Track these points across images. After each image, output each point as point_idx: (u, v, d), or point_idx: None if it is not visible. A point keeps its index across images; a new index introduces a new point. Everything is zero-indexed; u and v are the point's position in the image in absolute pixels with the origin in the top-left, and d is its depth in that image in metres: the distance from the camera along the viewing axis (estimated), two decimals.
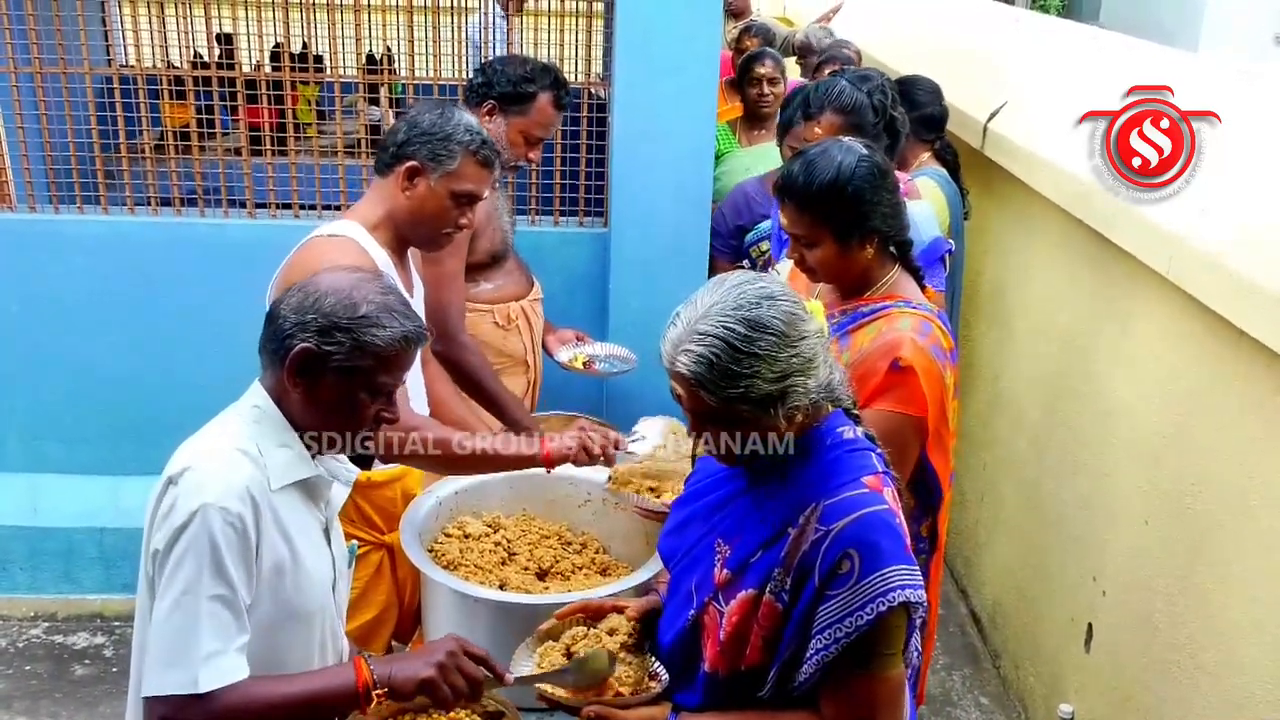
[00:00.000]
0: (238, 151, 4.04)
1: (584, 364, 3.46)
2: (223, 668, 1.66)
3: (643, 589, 2.32)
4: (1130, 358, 2.97)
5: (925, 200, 3.60)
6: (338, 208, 3.87)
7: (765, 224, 3.64)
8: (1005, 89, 4.08)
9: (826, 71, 4.37)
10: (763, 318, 1.64)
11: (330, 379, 1.76)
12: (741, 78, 4.55)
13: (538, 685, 1.87)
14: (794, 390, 1.66)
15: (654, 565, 2.34)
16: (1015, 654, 3.71)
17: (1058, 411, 3.43)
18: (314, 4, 3.91)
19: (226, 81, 3.92)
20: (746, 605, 1.73)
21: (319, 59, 4.34)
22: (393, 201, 2.48)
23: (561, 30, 4.44)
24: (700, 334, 1.64)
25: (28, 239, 3.82)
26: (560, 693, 1.85)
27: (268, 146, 3.90)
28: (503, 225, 3.24)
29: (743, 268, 3.78)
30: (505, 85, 3.07)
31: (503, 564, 2.54)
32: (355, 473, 2.07)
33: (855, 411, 1.85)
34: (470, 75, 3.25)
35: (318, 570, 1.87)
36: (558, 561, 2.59)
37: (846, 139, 2.32)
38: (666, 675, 1.87)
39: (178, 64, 4.08)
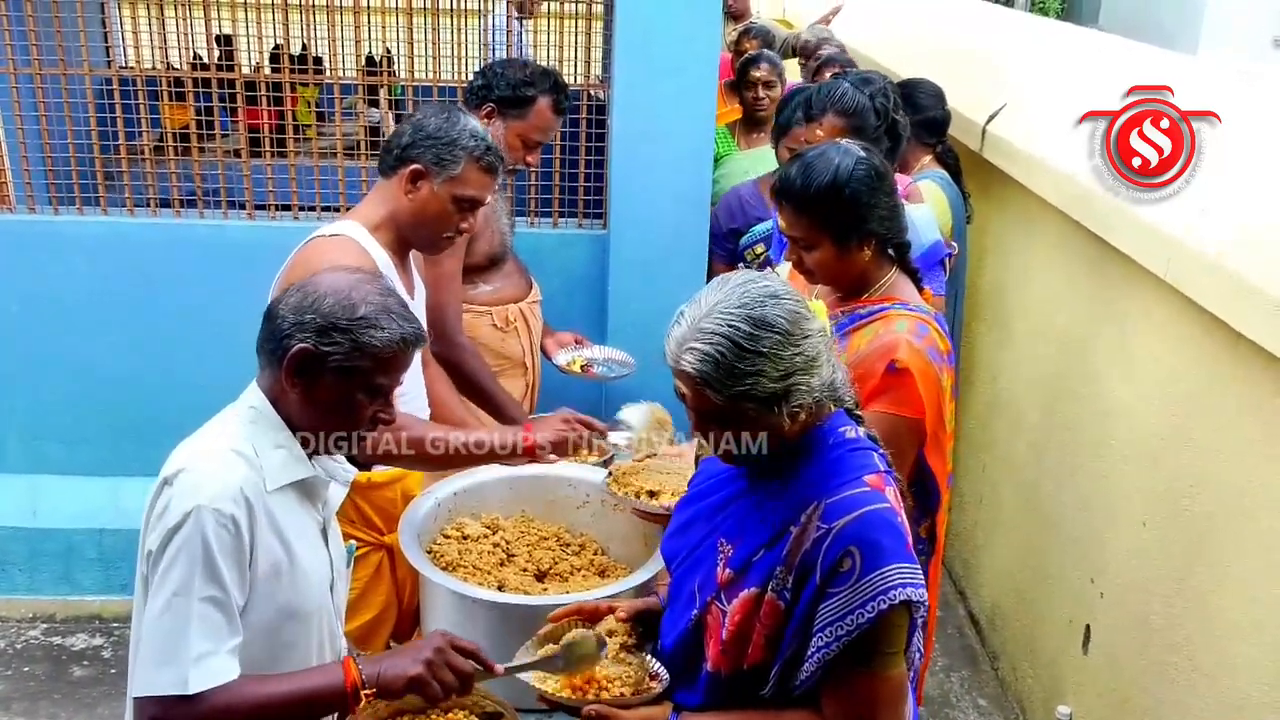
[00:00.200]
0: (237, 153, 4.05)
1: (582, 368, 3.46)
2: (213, 669, 1.66)
3: (642, 590, 2.32)
4: (1129, 360, 2.97)
5: (928, 203, 3.60)
6: (337, 209, 3.87)
7: (760, 226, 3.65)
8: (1004, 91, 4.08)
9: (828, 74, 4.38)
10: (767, 316, 1.65)
11: (328, 379, 1.76)
12: (739, 80, 4.55)
13: (538, 686, 1.87)
14: (797, 388, 1.67)
15: (652, 567, 2.34)
16: (1014, 656, 3.71)
17: (1056, 413, 3.43)
18: (313, 6, 3.91)
19: (226, 83, 3.92)
20: (749, 604, 1.73)
21: (318, 60, 4.34)
22: (395, 203, 2.48)
23: (561, 32, 4.44)
24: (705, 332, 1.65)
25: (27, 240, 3.82)
26: (555, 686, 1.86)
27: (267, 148, 3.90)
28: (501, 227, 3.24)
29: (737, 270, 3.78)
30: (504, 89, 3.07)
31: (501, 565, 2.55)
32: (353, 473, 2.08)
33: (858, 412, 1.86)
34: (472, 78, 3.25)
35: (315, 571, 1.87)
36: (556, 563, 2.59)
37: (844, 141, 2.32)
38: (667, 675, 1.87)
39: (177, 65, 4.08)
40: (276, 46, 4.21)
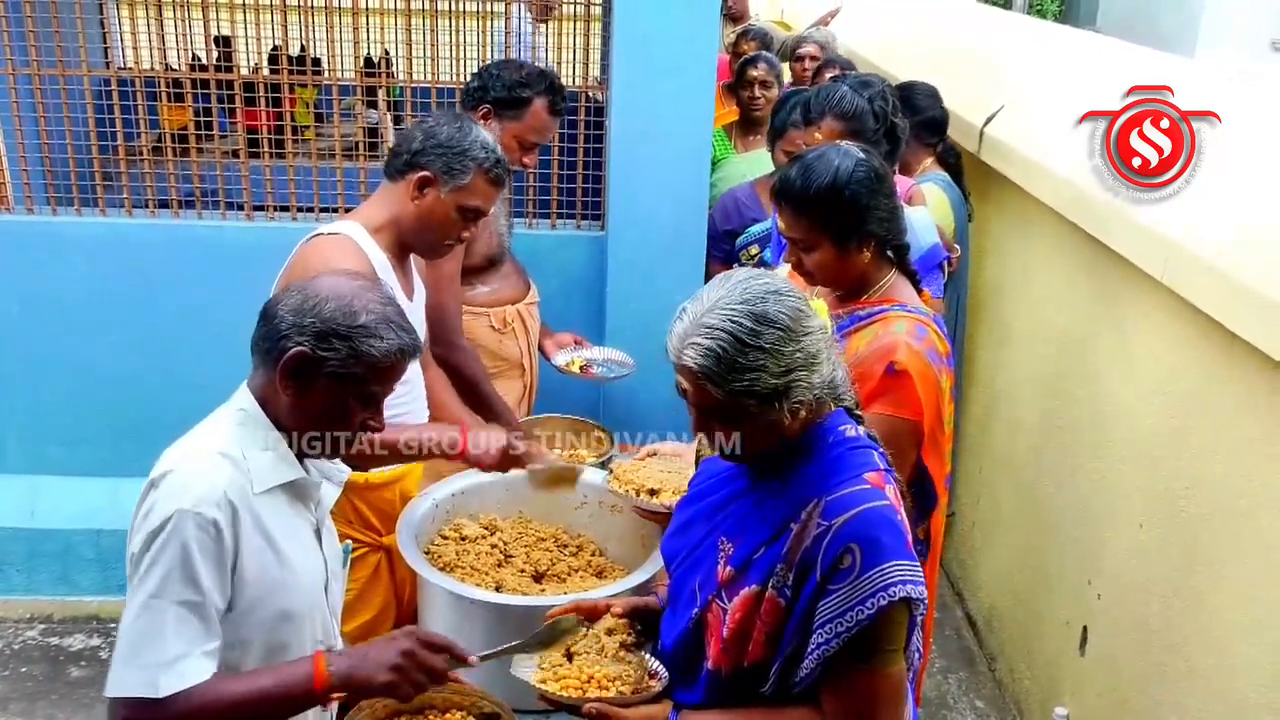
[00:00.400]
0: (235, 154, 4.05)
1: (581, 368, 3.46)
2: (184, 672, 1.66)
3: (640, 591, 2.32)
4: (1127, 361, 2.98)
5: (931, 207, 3.62)
6: (335, 210, 3.88)
7: (756, 228, 3.65)
8: (1002, 93, 4.09)
9: (827, 76, 4.38)
10: (769, 312, 1.66)
11: (322, 384, 1.76)
12: (736, 81, 4.55)
13: (538, 686, 1.87)
14: (798, 385, 1.68)
15: (650, 568, 2.35)
16: (1011, 657, 3.71)
17: (1054, 415, 3.44)
18: (312, 7, 3.91)
19: (224, 84, 3.92)
20: (749, 602, 1.74)
21: (317, 62, 4.34)
22: (399, 207, 2.49)
23: (559, 34, 4.45)
24: (707, 327, 1.66)
25: (26, 240, 3.82)
26: (556, 687, 1.86)
27: (265, 149, 3.91)
28: (499, 229, 3.25)
29: None
30: (501, 90, 3.07)
31: (499, 566, 2.55)
32: (347, 473, 2.07)
33: (858, 411, 1.86)
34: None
35: (308, 572, 1.87)
36: (554, 564, 2.59)
37: (844, 143, 2.32)
38: (666, 674, 1.88)
39: (176, 66, 4.08)
40: (275, 48, 4.22)
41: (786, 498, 1.75)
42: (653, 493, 2.46)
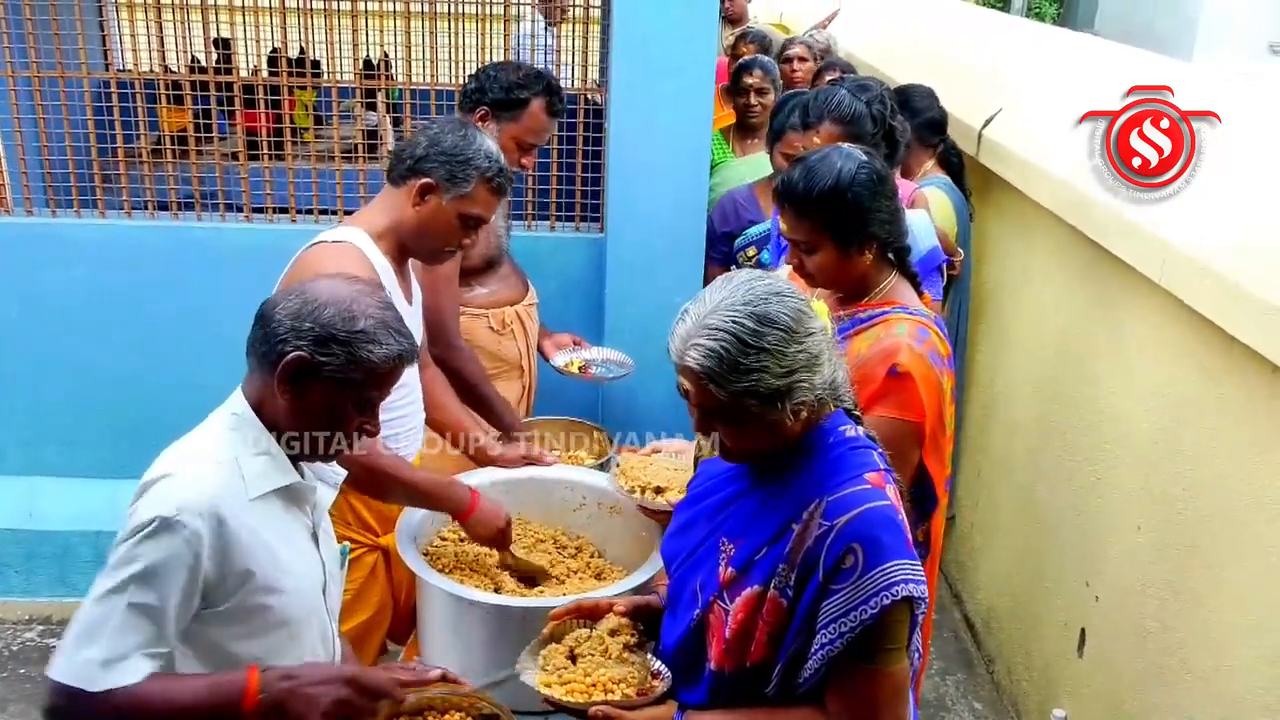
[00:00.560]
0: (235, 156, 4.05)
1: (580, 369, 3.47)
2: (123, 670, 1.66)
3: (640, 592, 2.32)
4: (1124, 364, 2.98)
5: (934, 210, 3.63)
6: (334, 212, 3.88)
7: (753, 229, 3.66)
8: (1000, 96, 4.10)
9: (826, 79, 4.39)
10: (771, 313, 1.67)
11: (320, 389, 1.76)
12: (733, 86, 4.55)
13: (543, 690, 1.86)
14: (800, 386, 1.69)
15: (649, 569, 2.35)
16: (1009, 659, 3.72)
17: (1052, 417, 3.44)
18: (311, 9, 3.92)
19: (224, 86, 3.93)
20: (751, 602, 1.74)
21: (316, 64, 4.35)
22: (400, 213, 2.49)
23: (559, 36, 4.45)
24: (710, 328, 1.66)
25: (25, 242, 3.82)
26: (561, 691, 1.85)
27: (265, 151, 3.91)
28: (497, 230, 3.25)
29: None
30: (498, 91, 3.07)
31: (498, 568, 2.55)
32: (342, 475, 2.07)
33: (856, 412, 1.87)
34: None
35: (305, 575, 1.87)
36: (553, 565, 2.60)
37: (846, 145, 2.33)
38: (668, 674, 1.88)
39: (175, 69, 4.09)
40: (274, 50, 4.22)
41: (788, 498, 1.76)
42: (659, 490, 2.47)
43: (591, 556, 2.66)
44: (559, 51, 4.58)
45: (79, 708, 1.66)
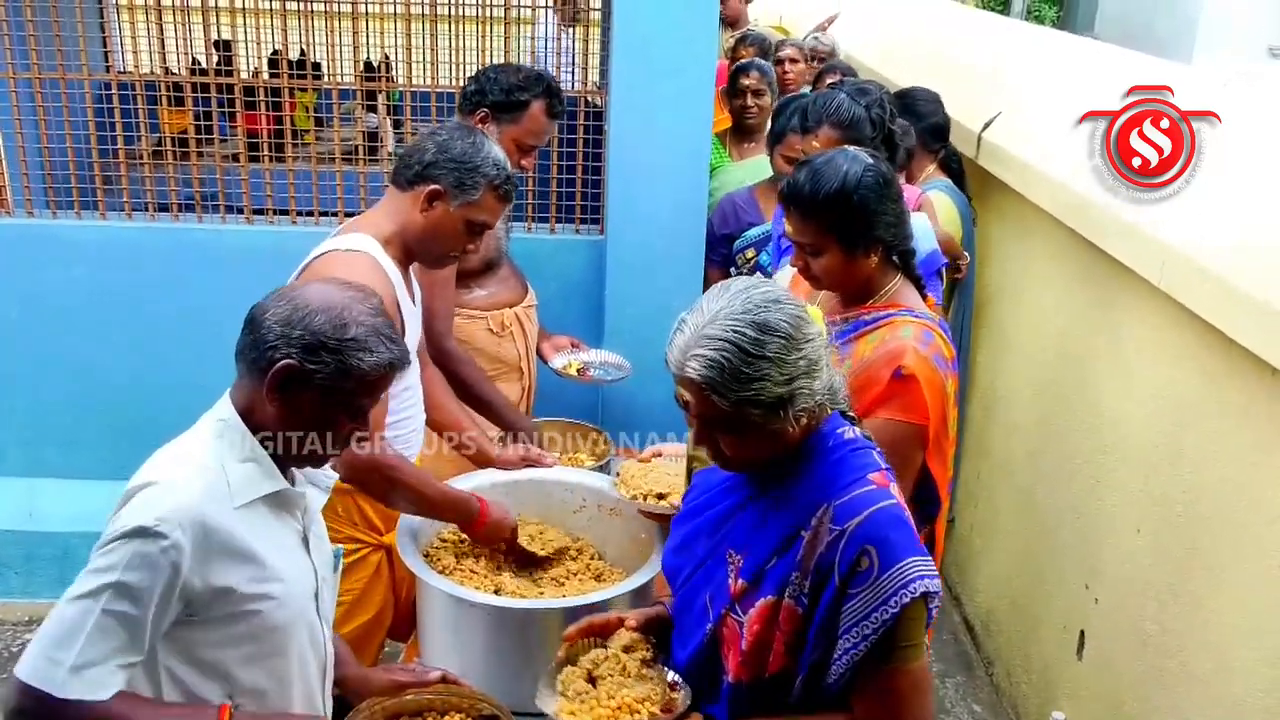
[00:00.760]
0: (235, 158, 4.06)
1: (578, 371, 3.47)
2: (91, 680, 1.63)
3: (639, 594, 2.33)
4: (1124, 367, 2.99)
5: (939, 214, 3.64)
6: (335, 214, 3.88)
7: (752, 231, 3.66)
8: (999, 98, 4.10)
9: (826, 82, 4.39)
10: (771, 321, 1.66)
11: (310, 396, 1.74)
12: (730, 88, 4.55)
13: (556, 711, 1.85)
14: (801, 392, 1.69)
15: (649, 570, 2.35)
16: (1008, 662, 3.72)
17: (1052, 419, 3.44)
18: (312, 11, 3.92)
19: (225, 88, 3.93)
20: (766, 612, 1.74)
21: (317, 66, 4.35)
22: (407, 218, 2.50)
23: (546, 39, 4.45)
24: (710, 338, 1.65)
25: (25, 243, 3.83)
26: (561, 708, 1.84)
27: (265, 153, 3.91)
28: (496, 232, 3.24)
29: (730, 275, 3.80)
30: (498, 93, 3.08)
31: (497, 569, 2.55)
32: (334, 478, 2.06)
33: (851, 413, 1.87)
34: None
35: (296, 581, 1.85)
36: (553, 567, 2.60)
37: (852, 148, 2.33)
38: (687, 685, 1.86)
39: (176, 70, 4.09)
40: (275, 52, 4.23)
41: (793, 505, 1.75)
42: (660, 496, 2.47)
43: (591, 558, 2.66)
44: (576, 54, 4.57)
45: (43, 711, 1.63)
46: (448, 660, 2.21)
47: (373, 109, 5.18)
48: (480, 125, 3.06)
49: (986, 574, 4.01)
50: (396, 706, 2.00)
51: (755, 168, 4.13)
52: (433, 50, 3.90)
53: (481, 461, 2.78)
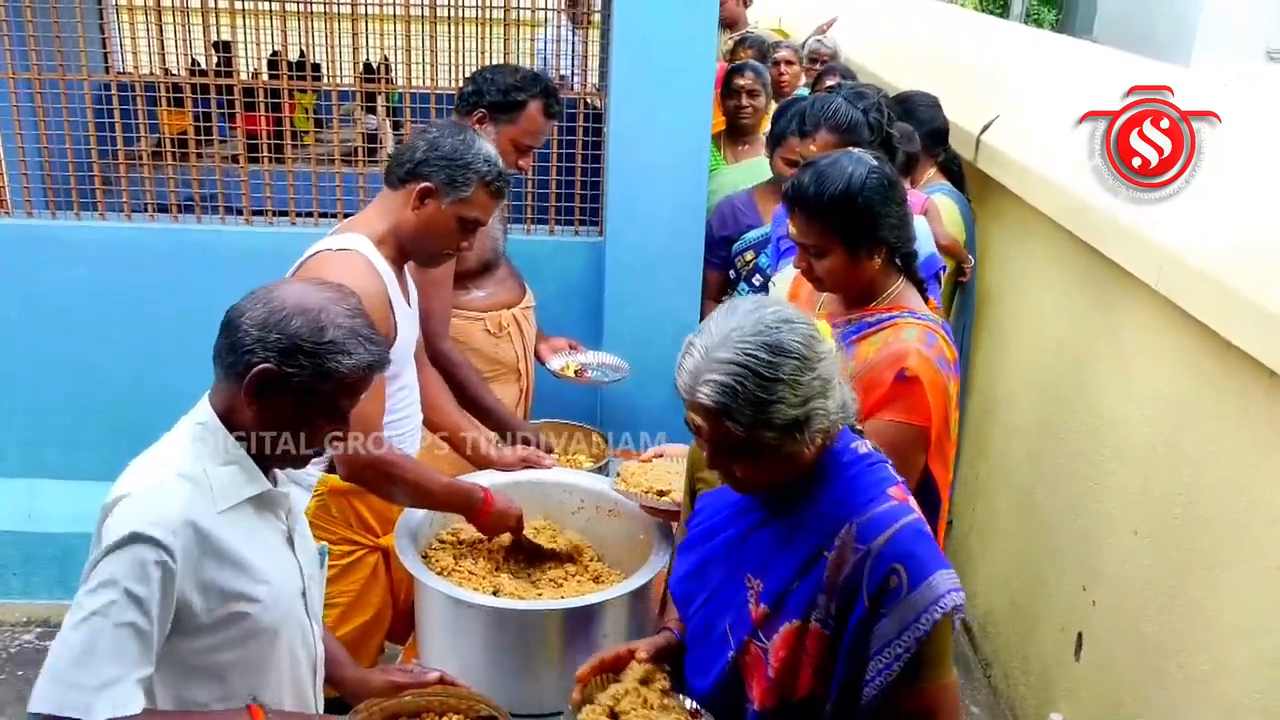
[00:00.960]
0: (235, 159, 4.06)
1: (576, 372, 3.47)
2: (117, 698, 1.60)
3: (638, 596, 2.33)
4: (1123, 369, 2.99)
5: (944, 218, 3.64)
6: (334, 215, 3.88)
7: (751, 234, 3.67)
8: (998, 101, 4.11)
9: (825, 84, 4.39)
10: (784, 342, 1.62)
11: (288, 399, 1.72)
12: (724, 90, 4.54)
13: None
14: (817, 413, 1.65)
15: (648, 572, 2.35)
16: (1006, 663, 3.72)
17: (1051, 421, 3.45)
18: (312, 13, 3.93)
19: (224, 89, 3.93)
20: (791, 637, 1.71)
21: (316, 67, 4.35)
22: (399, 216, 2.50)
23: (558, 40, 4.46)
24: (721, 362, 1.61)
25: (25, 244, 3.83)
26: None
27: (265, 154, 3.92)
28: (494, 233, 3.25)
29: (729, 277, 3.81)
30: (495, 94, 3.08)
31: (496, 570, 2.56)
32: (316, 476, 2.05)
33: (858, 427, 1.85)
34: None
35: (282, 581, 1.84)
36: (551, 568, 2.60)
37: (856, 150, 2.33)
38: (707, 712, 1.83)
39: (175, 71, 4.09)
40: (274, 53, 4.23)
41: (813, 525, 1.72)
42: (661, 493, 2.47)
43: (589, 560, 2.66)
44: (581, 57, 4.58)
45: None
46: (446, 661, 2.21)
47: (372, 110, 5.18)
48: (477, 126, 3.06)
49: (985, 575, 4.01)
50: (395, 707, 2.00)
51: (750, 170, 4.13)
52: (432, 52, 3.91)
53: (480, 462, 2.78)
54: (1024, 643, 3.58)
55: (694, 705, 1.85)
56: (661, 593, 2.66)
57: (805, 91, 4.95)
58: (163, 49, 3.98)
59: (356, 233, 2.49)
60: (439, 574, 2.40)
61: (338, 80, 4.04)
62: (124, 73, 4.18)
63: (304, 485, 1.97)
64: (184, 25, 4.02)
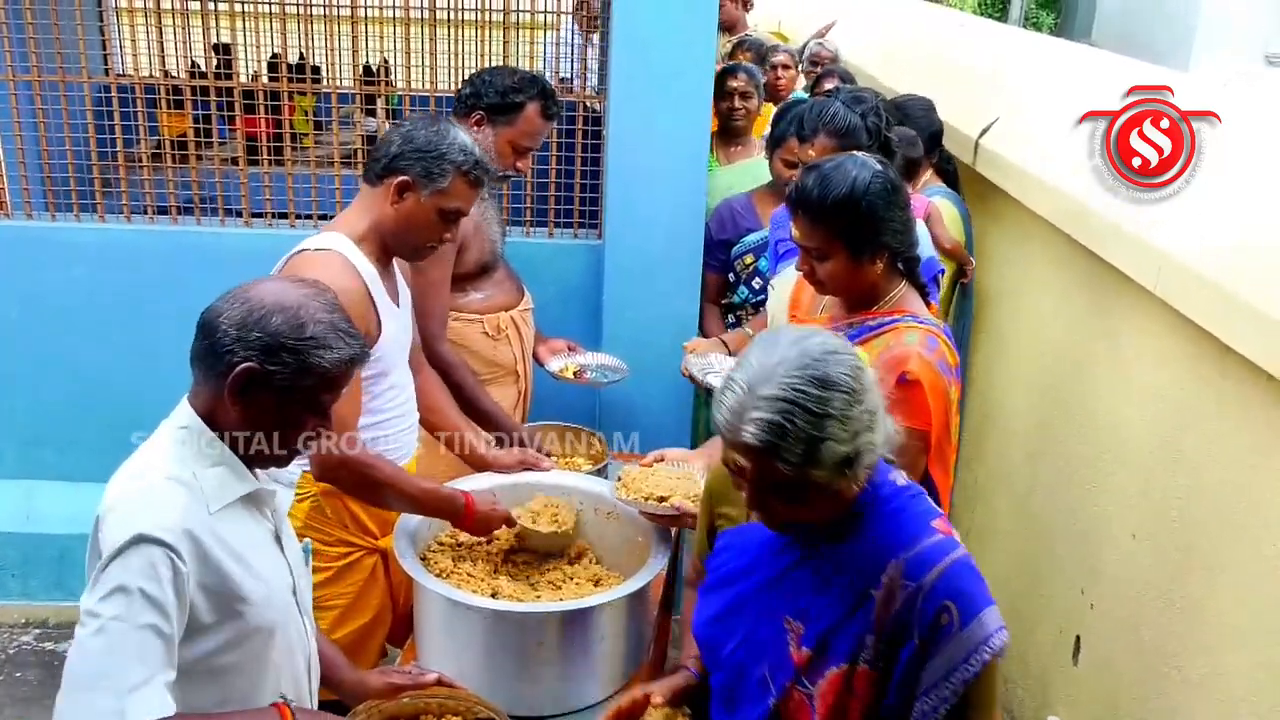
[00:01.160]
0: (234, 161, 4.06)
1: (575, 373, 3.47)
2: (149, 701, 1.57)
3: (636, 598, 2.33)
4: (1121, 373, 2.99)
5: (945, 220, 3.64)
6: (333, 218, 3.88)
7: (750, 237, 3.67)
8: (997, 105, 4.11)
9: (824, 87, 4.40)
10: (832, 375, 1.55)
11: (271, 397, 1.72)
12: (716, 92, 4.54)
13: None
14: (866, 448, 1.58)
15: (646, 575, 2.35)
16: (1004, 666, 3.69)
17: (1049, 425, 3.45)
18: (311, 15, 3.93)
19: (224, 91, 3.94)
20: (839, 681, 1.64)
21: (316, 70, 4.36)
22: (379, 213, 2.49)
23: (557, 43, 4.46)
24: (767, 398, 1.53)
25: (24, 246, 3.83)
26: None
27: (264, 156, 3.92)
28: (491, 236, 3.25)
29: (729, 280, 3.81)
30: (493, 96, 3.08)
31: (494, 573, 2.56)
32: (297, 474, 2.05)
33: (890, 457, 1.78)
34: None
35: (274, 580, 1.84)
36: (550, 570, 2.60)
37: (860, 154, 2.34)
38: None
39: (175, 74, 4.10)
40: (274, 55, 4.23)
41: (856, 563, 1.65)
42: (661, 499, 2.48)
43: (588, 562, 2.66)
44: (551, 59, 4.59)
45: None
46: (445, 663, 2.21)
47: (372, 113, 5.17)
48: (475, 127, 3.07)
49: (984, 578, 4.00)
50: (394, 709, 2.00)
51: (743, 171, 4.14)
52: (432, 54, 3.91)
53: (477, 464, 2.78)
54: (1022, 646, 3.58)
55: None
56: (660, 596, 2.67)
57: (804, 94, 4.96)
58: (162, 51, 3.99)
59: (337, 232, 2.49)
60: (438, 576, 2.40)
61: (337, 83, 4.05)
62: (124, 75, 4.18)
63: (285, 483, 1.97)
64: (184, 27, 4.03)
